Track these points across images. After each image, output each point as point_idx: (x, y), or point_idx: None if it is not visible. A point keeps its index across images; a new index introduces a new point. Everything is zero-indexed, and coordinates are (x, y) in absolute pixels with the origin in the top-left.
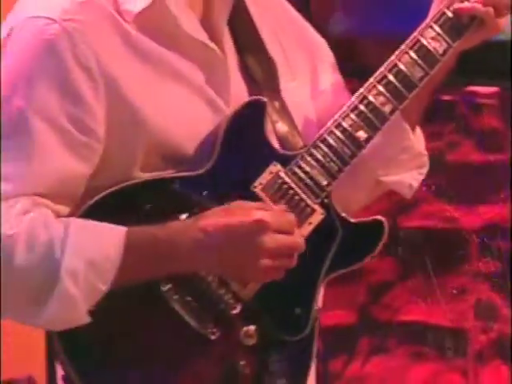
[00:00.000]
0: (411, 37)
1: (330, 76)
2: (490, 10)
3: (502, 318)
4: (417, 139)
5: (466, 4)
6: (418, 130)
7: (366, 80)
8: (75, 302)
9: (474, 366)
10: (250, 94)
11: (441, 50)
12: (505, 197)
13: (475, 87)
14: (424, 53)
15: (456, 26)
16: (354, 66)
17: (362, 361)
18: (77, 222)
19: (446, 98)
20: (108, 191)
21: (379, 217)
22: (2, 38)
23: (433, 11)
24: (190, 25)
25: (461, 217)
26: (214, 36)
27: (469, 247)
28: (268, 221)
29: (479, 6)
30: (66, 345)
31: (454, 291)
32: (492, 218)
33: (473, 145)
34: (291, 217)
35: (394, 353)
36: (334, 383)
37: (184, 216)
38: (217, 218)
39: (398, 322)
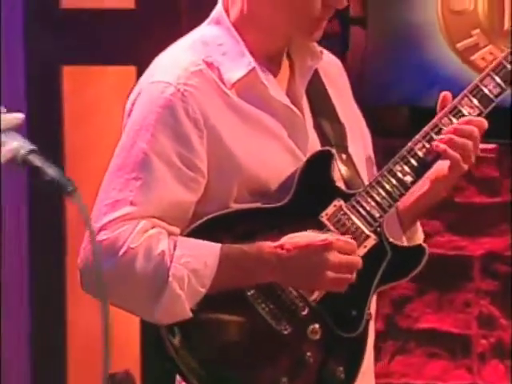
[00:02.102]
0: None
1: (369, 150)
2: (458, 155)
3: (500, 327)
4: (412, 234)
5: (438, 144)
6: (418, 224)
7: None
8: (181, 301)
9: (477, 364)
10: (323, 147)
11: (409, 182)
12: (501, 231)
13: None
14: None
15: (423, 161)
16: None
17: (387, 359)
18: (183, 240)
19: None
20: (209, 217)
21: (423, 243)
22: (132, 98)
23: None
24: (277, 91)
25: (466, 246)
26: (295, 101)
27: (472, 270)
28: (333, 242)
29: (450, 150)
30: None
31: (461, 305)
32: (491, 247)
33: (476, 190)
34: (352, 241)
35: (413, 353)
36: None
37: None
38: (295, 238)
39: (416, 329)
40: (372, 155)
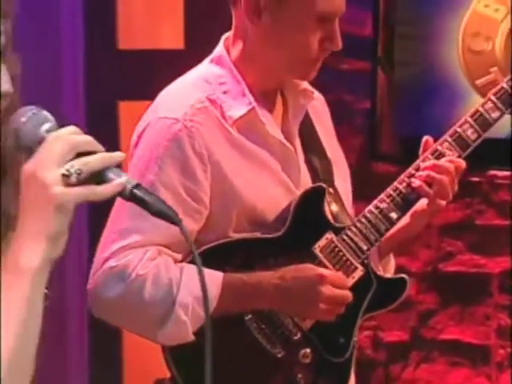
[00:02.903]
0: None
1: (348, 182)
2: (440, 182)
3: None
4: (384, 266)
5: (414, 181)
6: (391, 256)
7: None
8: (185, 325)
9: (495, 372)
10: (313, 181)
11: (394, 218)
12: None
13: (495, 171)
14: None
15: (407, 198)
16: None
17: (413, 367)
18: (188, 267)
19: (474, 179)
20: (210, 245)
21: (404, 275)
22: (139, 130)
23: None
24: (273, 128)
25: (485, 264)
26: (289, 137)
27: (491, 286)
28: (327, 276)
29: (424, 187)
30: (174, 358)
31: (481, 318)
32: (508, 265)
33: (494, 213)
34: (344, 277)
35: (437, 362)
36: (394, 383)
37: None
38: (291, 271)
39: (440, 340)
40: (349, 188)
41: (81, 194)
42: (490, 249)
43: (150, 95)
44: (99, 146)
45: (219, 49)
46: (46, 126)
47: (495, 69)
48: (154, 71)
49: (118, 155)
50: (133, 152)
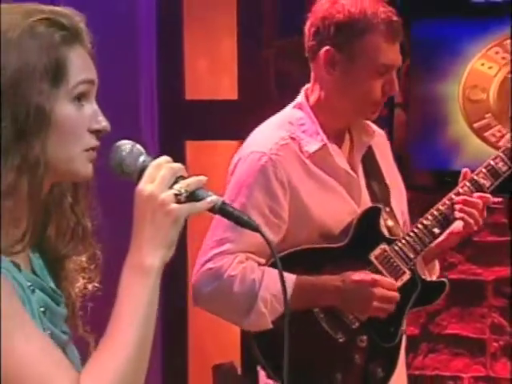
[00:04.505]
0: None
1: (404, 204)
2: (470, 214)
3: (507, 333)
4: (430, 271)
5: (458, 213)
6: (436, 261)
7: None
8: (265, 316)
9: (489, 361)
10: (372, 202)
11: (436, 233)
12: (507, 262)
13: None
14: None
15: (447, 218)
16: None
17: (422, 356)
18: (269, 270)
19: None
20: (286, 252)
21: (444, 279)
22: (235, 161)
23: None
24: (340, 160)
25: (481, 273)
26: (353, 166)
27: (486, 291)
28: (379, 280)
29: (466, 217)
30: (258, 343)
31: (478, 317)
32: (500, 274)
33: (488, 232)
34: (393, 281)
35: (442, 352)
36: (407, 370)
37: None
38: (350, 275)
39: (444, 334)
40: (406, 209)
41: (188, 209)
42: (485, 260)
43: (211, 136)
44: (185, 171)
45: (300, 96)
46: (143, 157)
47: (489, 115)
48: (213, 117)
49: (204, 178)
50: (229, 178)
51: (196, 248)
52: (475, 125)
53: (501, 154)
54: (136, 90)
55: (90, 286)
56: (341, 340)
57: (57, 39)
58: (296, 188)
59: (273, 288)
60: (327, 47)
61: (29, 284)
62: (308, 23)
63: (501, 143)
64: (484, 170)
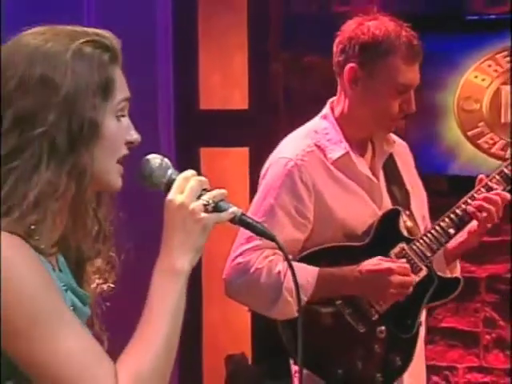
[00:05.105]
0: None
1: (425, 208)
2: (484, 215)
3: (499, 327)
4: (452, 267)
5: (470, 208)
6: (457, 261)
7: None
8: (290, 305)
9: (482, 352)
10: (393, 205)
11: (452, 233)
12: (499, 261)
13: None
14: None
15: (462, 219)
16: None
17: None
18: (293, 263)
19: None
20: (312, 249)
21: (459, 275)
22: (266, 166)
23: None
24: (362, 167)
25: (475, 270)
26: (374, 173)
27: (480, 287)
28: (394, 268)
29: (477, 213)
30: (288, 336)
31: (472, 311)
32: (492, 271)
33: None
34: (407, 265)
35: (438, 344)
36: None
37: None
38: (367, 265)
39: (441, 327)
40: (427, 212)
41: (215, 218)
42: (479, 259)
43: (223, 143)
44: (208, 184)
45: (326, 108)
46: (171, 170)
47: (482, 123)
48: (226, 125)
49: (225, 192)
50: (261, 181)
51: (207, 245)
52: (469, 133)
53: None
54: (154, 102)
55: (105, 287)
56: (361, 330)
57: (105, 60)
58: (320, 191)
59: (298, 278)
60: (352, 64)
61: (62, 284)
62: (336, 41)
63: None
64: (497, 177)
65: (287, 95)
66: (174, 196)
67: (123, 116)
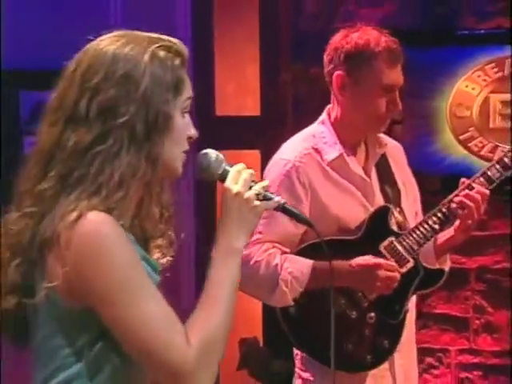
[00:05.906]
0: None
1: (417, 205)
2: (467, 206)
3: (487, 313)
4: (441, 263)
5: (452, 205)
6: (447, 256)
7: None
8: (286, 295)
9: (472, 336)
10: (384, 203)
11: (438, 229)
12: (488, 253)
13: None
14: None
15: (447, 216)
16: None
17: (415, 332)
18: (291, 257)
19: None
20: (308, 243)
21: (444, 267)
22: (269, 166)
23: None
24: (355, 167)
25: (465, 262)
26: (367, 173)
27: (470, 277)
28: (382, 264)
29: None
30: (284, 317)
31: (462, 298)
32: (482, 263)
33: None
34: (393, 264)
35: (432, 328)
36: None
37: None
38: (358, 260)
39: (434, 313)
40: (419, 209)
41: (264, 205)
42: (469, 251)
43: (236, 146)
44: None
45: (323, 114)
46: (225, 164)
47: (472, 128)
48: (239, 130)
49: (268, 183)
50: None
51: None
52: (461, 137)
53: (495, 164)
54: None
55: (164, 261)
56: (353, 316)
57: (177, 63)
58: (316, 190)
59: (294, 271)
60: (339, 72)
61: (142, 254)
62: (325, 53)
63: (495, 156)
64: (480, 178)
65: (295, 103)
66: (231, 185)
67: (186, 113)
